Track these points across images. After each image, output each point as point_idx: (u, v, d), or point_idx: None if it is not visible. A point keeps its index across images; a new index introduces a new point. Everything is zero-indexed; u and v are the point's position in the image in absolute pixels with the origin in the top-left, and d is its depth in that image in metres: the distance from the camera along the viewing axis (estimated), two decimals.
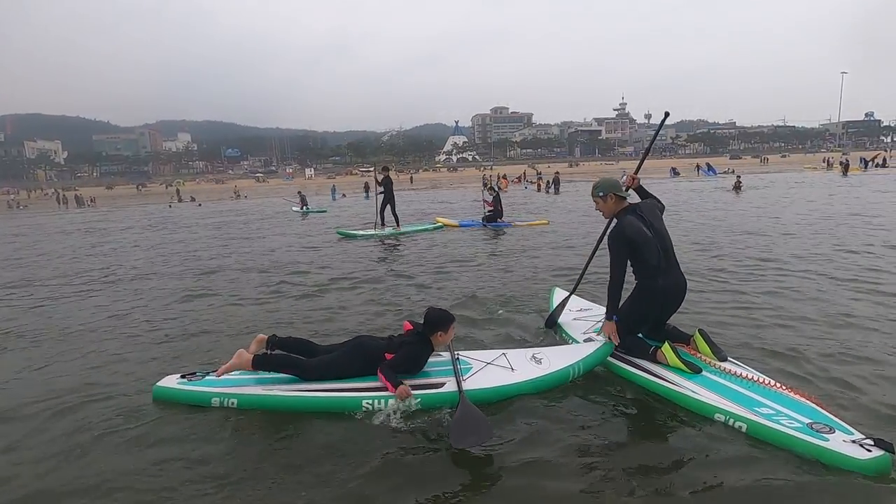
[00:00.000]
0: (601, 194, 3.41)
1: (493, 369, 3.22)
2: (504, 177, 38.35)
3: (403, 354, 3.12)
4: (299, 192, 22.12)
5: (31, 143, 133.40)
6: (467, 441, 2.55)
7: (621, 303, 3.33)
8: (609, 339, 3.33)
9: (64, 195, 50.89)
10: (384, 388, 2.98)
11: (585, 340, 3.63)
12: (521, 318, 4.69)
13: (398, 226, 11.86)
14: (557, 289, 4.88)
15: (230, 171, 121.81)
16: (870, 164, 36.32)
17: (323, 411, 2.97)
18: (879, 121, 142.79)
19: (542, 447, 2.61)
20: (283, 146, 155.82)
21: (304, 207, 20.81)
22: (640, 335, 3.41)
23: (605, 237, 3.41)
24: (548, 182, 28.73)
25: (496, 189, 12.96)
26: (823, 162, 45.87)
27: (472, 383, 3.06)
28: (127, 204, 42.12)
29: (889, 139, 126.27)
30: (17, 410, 3.22)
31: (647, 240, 3.20)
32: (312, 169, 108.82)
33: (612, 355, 3.34)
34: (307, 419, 2.93)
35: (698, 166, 44.18)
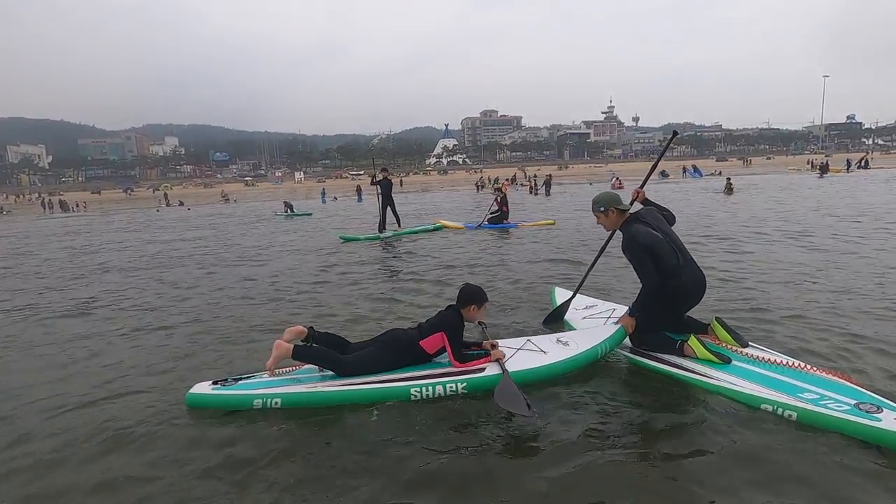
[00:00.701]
0: (602, 209, 3.45)
1: (525, 354, 3.31)
2: (507, 180, 38.60)
3: (451, 328, 3.20)
4: (285, 202, 22.74)
5: (14, 147, 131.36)
6: (511, 405, 2.65)
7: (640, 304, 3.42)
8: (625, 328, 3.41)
9: (49, 200, 50.18)
10: (429, 377, 3.06)
11: None
12: (531, 317, 4.63)
13: (399, 226, 11.90)
14: (558, 288, 4.89)
15: (218, 175, 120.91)
16: (853, 165, 37.25)
17: (370, 403, 2.93)
18: (860, 123, 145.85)
19: (592, 450, 2.48)
20: (272, 149, 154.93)
21: (289, 211, 21.24)
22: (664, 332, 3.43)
23: (623, 251, 3.37)
24: (538, 184, 29.13)
25: (502, 191, 12.95)
26: (807, 164, 46.83)
27: (509, 367, 3.10)
28: (116, 209, 41.63)
29: (870, 141, 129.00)
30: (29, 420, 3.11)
31: (659, 241, 3.25)
32: (302, 172, 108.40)
33: (641, 353, 3.35)
34: (343, 415, 2.88)
35: (684, 168, 45.00)
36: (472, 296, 3.30)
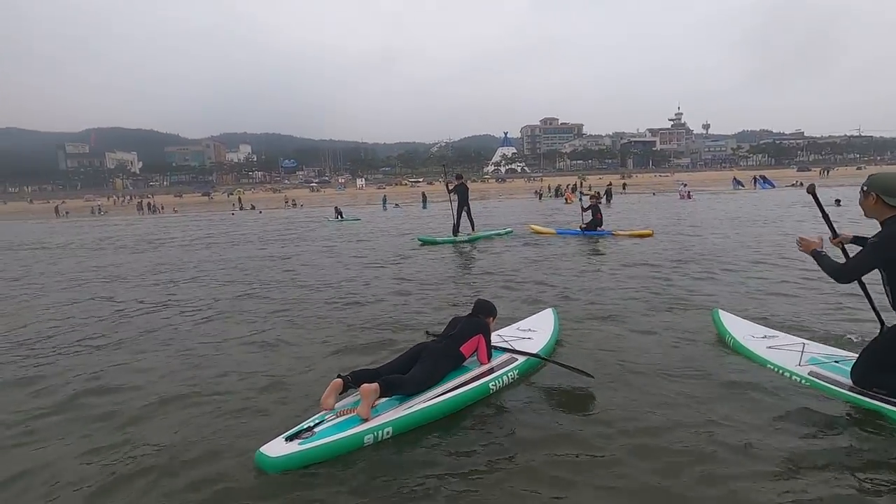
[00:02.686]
0: (865, 188, 2.83)
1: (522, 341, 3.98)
2: (569, 189, 38.00)
3: (487, 332, 3.61)
4: (335, 208, 25.22)
5: (112, 154, 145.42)
6: (573, 367, 3.36)
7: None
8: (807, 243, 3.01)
9: (145, 202, 55.31)
10: (487, 372, 3.40)
11: (811, 365, 3.31)
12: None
13: (473, 230, 12.18)
14: (722, 311, 4.35)
15: (286, 181, 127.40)
16: None
17: (463, 407, 3.07)
18: None
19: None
20: (336, 157, 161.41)
21: (339, 217, 23.00)
22: None
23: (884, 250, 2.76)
24: (598, 193, 28.31)
25: (597, 198, 12.60)
26: None
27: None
28: (197, 211, 45.11)
29: None
30: None
31: None
32: (364, 179, 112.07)
33: (872, 396, 2.85)
34: (427, 429, 2.88)
35: (755, 178, 42.54)
36: (493, 309, 3.80)
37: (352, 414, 2.79)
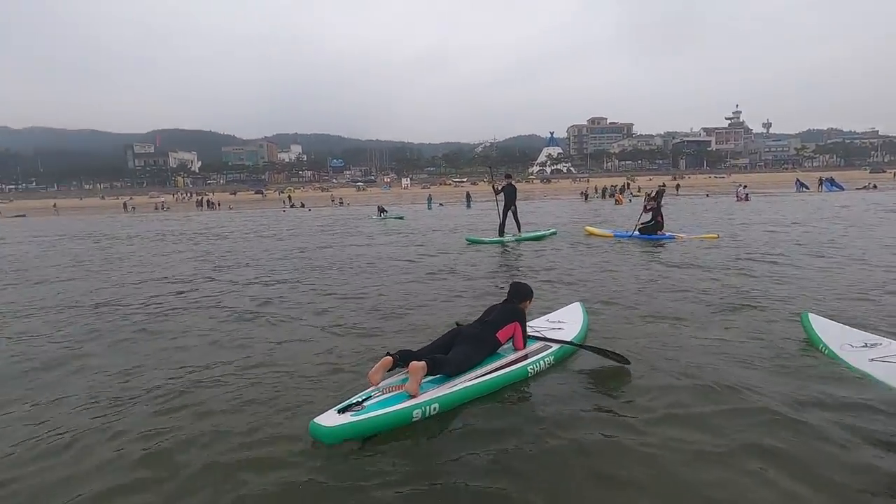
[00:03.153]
0: None
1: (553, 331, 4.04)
2: (620, 191, 37.10)
3: (523, 319, 3.67)
4: (378, 207, 25.92)
5: (174, 153, 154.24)
6: (608, 353, 3.47)
7: None
8: None
9: (203, 199, 58.37)
10: (523, 357, 3.49)
11: None
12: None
13: (519, 231, 12.13)
14: (813, 314, 3.99)
15: (334, 180, 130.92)
16: None
17: (502, 389, 3.20)
18: None
19: None
20: (382, 157, 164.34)
21: (382, 214, 23.61)
22: None
23: None
24: (648, 195, 27.37)
25: (656, 200, 11.85)
26: None
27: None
28: (252, 208, 47.24)
29: None
30: None
31: None
32: (409, 178, 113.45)
33: None
34: (462, 410, 2.97)
35: (821, 180, 39.85)
36: (529, 292, 3.83)
37: (399, 391, 2.91)
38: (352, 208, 39.04)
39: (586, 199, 36.60)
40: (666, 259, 8.32)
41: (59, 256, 12.35)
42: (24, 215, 51.53)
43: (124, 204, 60.78)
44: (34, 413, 3.17)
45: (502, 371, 3.28)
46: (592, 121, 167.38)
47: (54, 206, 62.91)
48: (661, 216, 11.51)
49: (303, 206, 44.49)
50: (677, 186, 50.11)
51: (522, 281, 4.03)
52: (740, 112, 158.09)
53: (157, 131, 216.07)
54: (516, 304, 3.72)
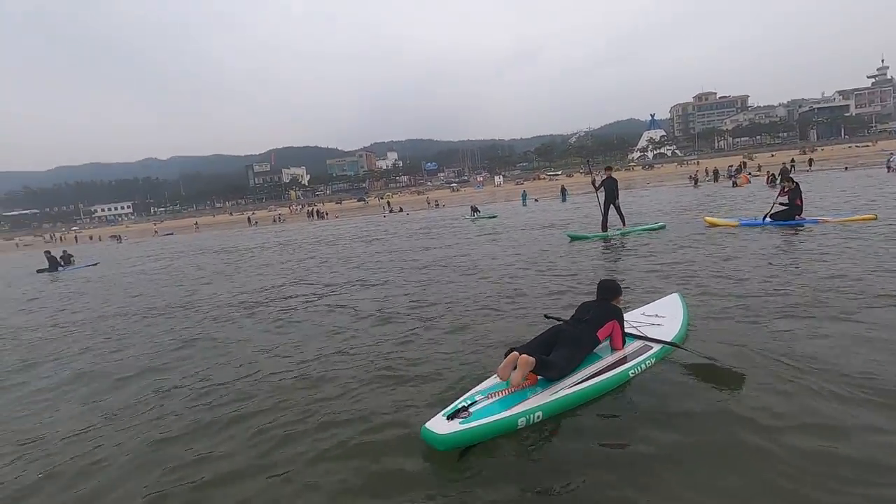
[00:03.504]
0: None
1: (652, 327, 4.00)
2: (737, 171, 33.79)
3: (621, 317, 3.64)
4: (472, 206, 26.35)
5: (286, 170, 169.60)
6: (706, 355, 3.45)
7: None
8: None
9: (313, 210, 63.46)
10: (622, 360, 3.46)
11: None
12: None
13: (623, 225, 11.61)
14: None
15: (429, 183, 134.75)
16: None
17: (605, 394, 3.16)
18: None
19: None
20: (474, 156, 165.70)
21: (475, 214, 23.98)
22: None
23: None
24: (771, 174, 24.39)
25: (793, 181, 10.57)
26: None
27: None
28: (354, 215, 50.39)
29: None
30: None
31: None
32: (501, 176, 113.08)
33: None
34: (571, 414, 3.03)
35: None
36: (618, 289, 3.81)
37: (503, 395, 3.00)
38: (446, 209, 39.88)
39: (696, 183, 33.57)
40: (808, 248, 7.37)
41: (221, 265, 14.32)
42: (171, 233, 59.94)
43: (248, 218, 68.06)
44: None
45: (603, 377, 3.23)
46: (699, 97, 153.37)
47: (195, 224, 72.13)
48: (801, 199, 10.18)
49: (401, 210, 46.43)
50: (810, 161, 43.52)
51: (609, 277, 4.17)
52: (887, 68, 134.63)
53: (271, 150, 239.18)
54: (609, 301, 3.70)
